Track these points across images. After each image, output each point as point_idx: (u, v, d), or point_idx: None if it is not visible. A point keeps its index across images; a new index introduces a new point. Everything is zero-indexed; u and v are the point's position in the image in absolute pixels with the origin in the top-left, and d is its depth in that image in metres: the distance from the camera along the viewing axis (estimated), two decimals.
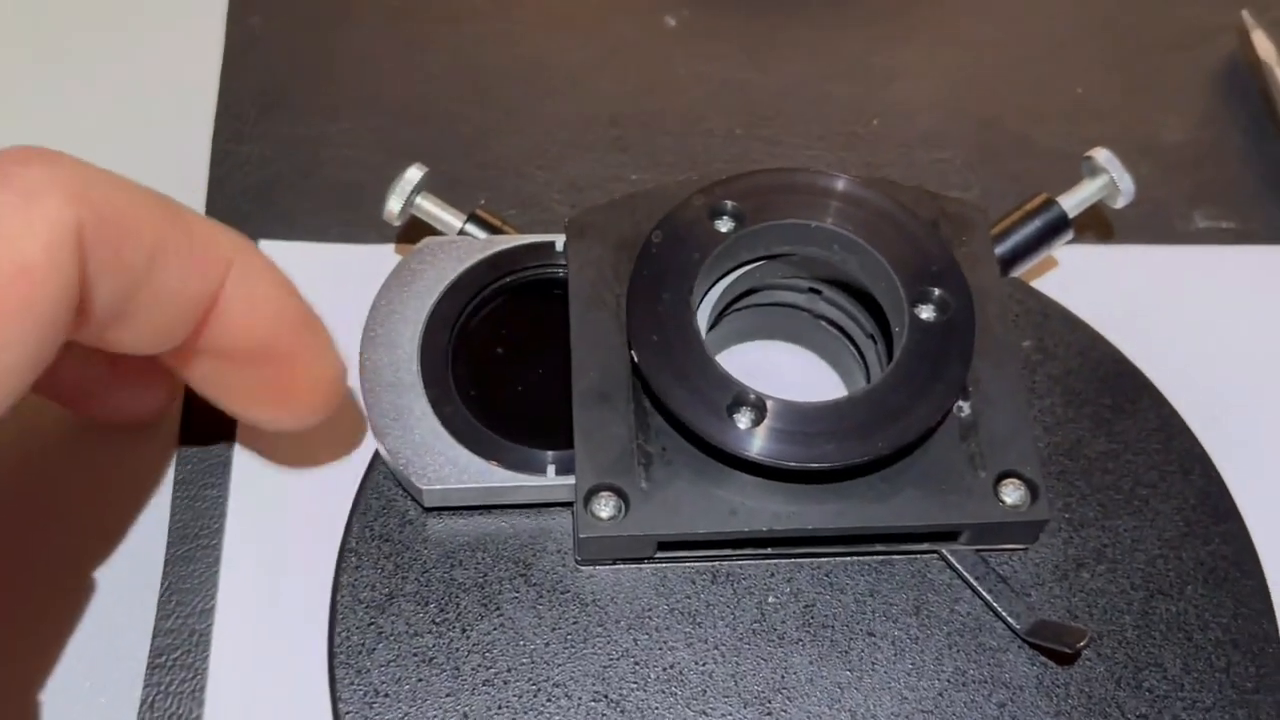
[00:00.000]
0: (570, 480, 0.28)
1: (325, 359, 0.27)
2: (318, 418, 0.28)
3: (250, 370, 0.27)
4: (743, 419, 0.27)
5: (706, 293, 0.30)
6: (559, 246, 0.31)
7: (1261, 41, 0.40)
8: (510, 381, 0.30)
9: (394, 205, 0.32)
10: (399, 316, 0.30)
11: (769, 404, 0.27)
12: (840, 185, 0.30)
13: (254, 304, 0.26)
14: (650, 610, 0.28)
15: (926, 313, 0.28)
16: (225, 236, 0.25)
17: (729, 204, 0.29)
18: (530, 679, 0.27)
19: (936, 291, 0.28)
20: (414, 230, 0.32)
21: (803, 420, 0.27)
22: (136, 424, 0.31)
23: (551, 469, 0.28)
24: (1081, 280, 0.35)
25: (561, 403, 0.29)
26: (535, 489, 0.28)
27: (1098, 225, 0.37)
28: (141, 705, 0.28)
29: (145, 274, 0.23)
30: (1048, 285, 0.34)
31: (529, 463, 0.28)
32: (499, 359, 0.31)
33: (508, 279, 0.31)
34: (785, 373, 0.33)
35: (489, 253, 0.31)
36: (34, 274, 0.21)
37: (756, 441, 0.27)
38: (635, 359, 0.28)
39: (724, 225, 0.29)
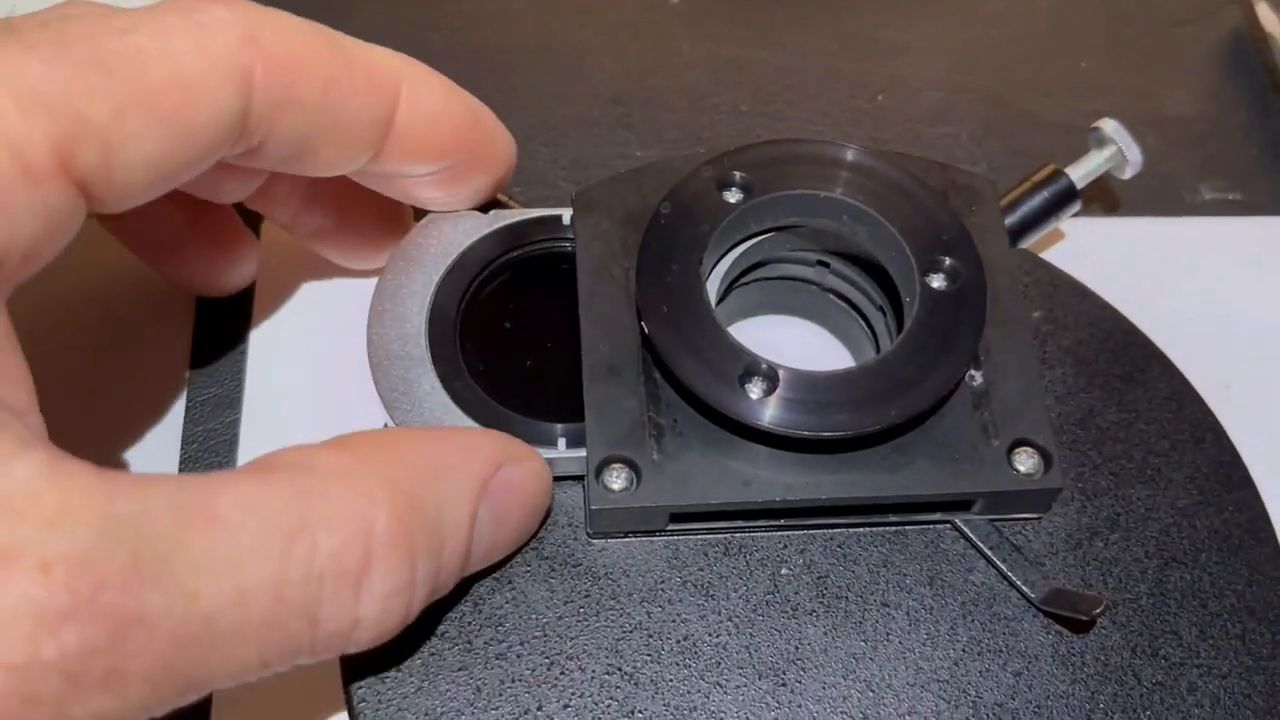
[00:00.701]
0: (581, 453, 0.28)
1: (498, 141, 0.29)
2: (494, 194, 0.30)
3: (434, 174, 0.28)
4: (754, 389, 0.27)
5: (715, 266, 0.30)
6: (565, 220, 0.31)
7: (1266, 15, 0.40)
8: (518, 355, 0.30)
9: None
10: (405, 292, 0.30)
11: (781, 374, 0.27)
12: (849, 156, 0.30)
13: (429, 117, 0.27)
14: (663, 583, 0.28)
15: (937, 282, 0.28)
16: (392, 61, 0.27)
17: (737, 175, 0.29)
18: (543, 652, 0.27)
19: (947, 261, 0.28)
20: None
21: (815, 390, 0.27)
22: (212, 291, 0.32)
23: (562, 441, 0.28)
24: (1090, 252, 0.35)
25: (570, 376, 0.28)
26: (546, 461, 0.28)
27: (1105, 198, 0.37)
28: None
29: (320, 108, 0.25)
30: (1056, 257, 0.34)
31: (539, 436, 0.28)
32: (507, 333, 0.30)
33: (514, 253, 0.31)
34: (794, 347, 0.33)
35: (494, 227, 0.31)
36: (189, 91, 0.22)
37: (769, 411, 0.26)
38: (645, 330, 0.27)
39: (732, 196, 0.29)
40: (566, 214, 0.31)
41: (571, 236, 0.30)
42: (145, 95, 0.22)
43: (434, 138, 0.27)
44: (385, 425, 0.29)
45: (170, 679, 0.20)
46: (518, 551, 0.28)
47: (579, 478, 0.28)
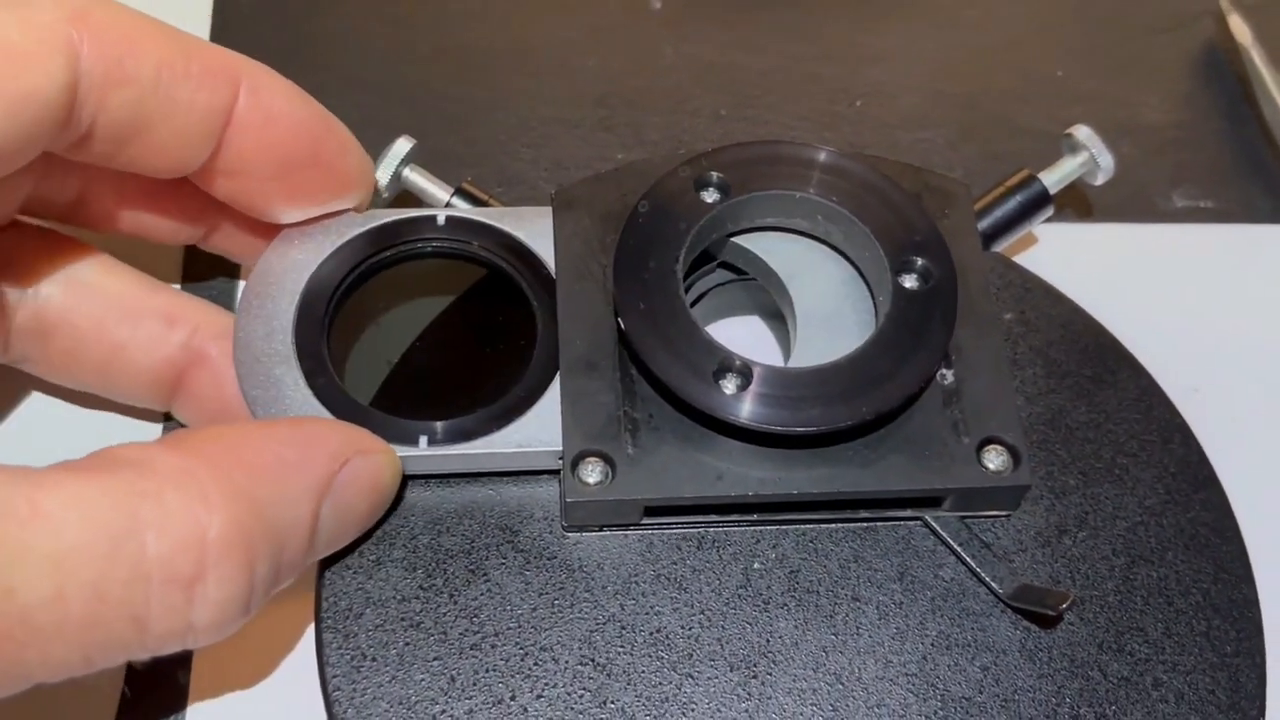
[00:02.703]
0: (442, 450, 0.28)
1: (350, 156, 0.29)
2: (346, 205, 0.30)
3: (278, 179, 0.28)
4: (729, 384, 0.27)
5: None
6: (440, 220, 0.31)
7: (1238, 26, 0.41)
8: (388, 354, 0.30)
9: (382, 176, 0.32)
10: (275, 289, 0.29)
11: (755, 369, 0.27)
12: (824, 157, 0.30)
13: (270, 116, 0.27)
14: (636, 576, 0.28)
15: (910, 281, 0.29)
16: (233, 57, 0.26)
17: (714, 175, 0.30)
18: (517, 643, 0.27)
19: (919, 261, 0.29)
20: (402, 203, 0.32)
21: (788, 385, 0.27)
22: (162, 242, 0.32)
23: (423, 439, 0.28)
24: (1062, 257, 0.36)
25: (435, 375, 0.29)
26: (407, 460, 0.28)
27: (1078, 204, 0.38)
28: None
29: (152, 86, 0.24)
30: (1029, 262, 0.34)
31: (403, 434, 0.28)
32: (377, 331, 0.30)
33: (387, 253, 0.30)
34: (769, 346, 0.33)
35: (369, 226, 0.30)
36: (14, 61, 0.22)
37: (742, 406, 0.27)
38: (622, 326, 0.28)
39: (710, 196, 0.29)
40: (441, 215, 0.31)
41: (445, 236, 0.31)
42: None
43: (275, 136, 0.27)
44: None
45: None
46: (359, 544, 0.28)
47: (555, 472, 0.29)
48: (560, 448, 0.28)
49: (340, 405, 0.28)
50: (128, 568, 0.21)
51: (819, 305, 0.30)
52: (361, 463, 0.26)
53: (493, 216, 0.31)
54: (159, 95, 0.25)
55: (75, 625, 0.20)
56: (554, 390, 0.28)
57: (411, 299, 0.31)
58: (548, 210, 0.31)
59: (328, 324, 0.29)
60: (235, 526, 0.22)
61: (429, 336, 0.30)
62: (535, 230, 0.30)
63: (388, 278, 0.31)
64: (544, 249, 0.30)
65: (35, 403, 0.32)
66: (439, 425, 0.28)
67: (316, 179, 0.28)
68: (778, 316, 0.33)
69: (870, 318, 0.30)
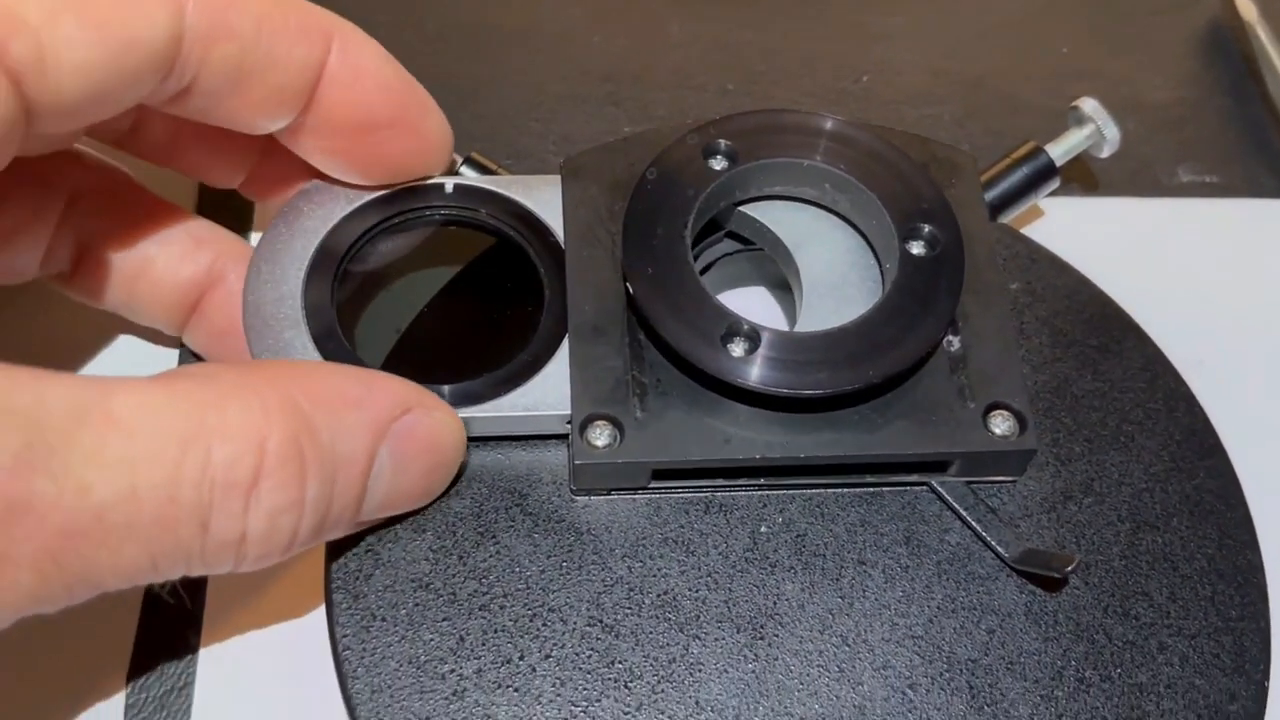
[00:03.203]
0: (465, 412, 0.28)
1: (430, 121, 0.29)
2: (426, 176, 0.30)
3: (360, 139, 0.28)
4: (736, 348, 0.27)
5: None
6: (448, 189, 0.31)
7: (1244, 2, 0.41)
8: (397, 318, 0.30)
9: None
10: (285, 254, 0.29)
11: (763, 333, 0.27)
12: (832, 125, 0.30)
13: (359, 73, 0.27)
14: (644, 539, 0.28)
15: (917, 248, 0.29)
16: (325, 13, 0.27)
17: (723, 143, 0.30)
18: (525, 604, 0.27)
19: (926, 228, 0.29)
20: None
21: (796, 349, 0.27)
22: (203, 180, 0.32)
23: None
24: (1069, 231, 0.36)
25: (446, 339, 0.29)
26: None
27: (1084, 179, 0.38)
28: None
29: (253, 41, 0.25)
30: (1037, 235, 0.35)
31: None
32: (387, 297, 0.31)
33: (396, 219, 0.31)
34: (776, 317, 0.33)
35: (378, 194, 0.30)
36: (125, 5, 0.23)
37: (750, 369, 0.27)
38: (630, 291, 0.28)
39: (718, 164, 0.30)
40: (449, 183, 0.31)
41: (453, 204, 0.31)
42: (78, 1, 0.22)
43: (362, 93, 0.27)
44: None
45: (58, 570, 0.20)
46: (424, 509, 0.28)
47: (563, 437, 0.29)
48: (569, 411, 0.28)
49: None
50: (195, 470, 0.22)
51: (825, 274, 0.30)
52: (422, 415, 0.26)
53: (500, 185, 0.31)
54: (259, 50, 0.25)
55: (146, 525, 0.21)
56: (561, 355, 0.29)
57: (419, 266, 0.31)
58: (555, 179, 0.31)
59: (337, 289, 0.30)
60: (291, 440, 0.23)
61: (437, 303, 0.30)
62: (542, 198, 0.31)
63: (396, 244, 0.31)
64: (551, 217, 0.30)
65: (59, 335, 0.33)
66: (446, 389, 0.28)
67: (400, 140, 0.29)
68: (784, 287, 0.34)
69: (876, 286, 0.30)
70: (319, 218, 0.30)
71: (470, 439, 0.29)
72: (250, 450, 0.22)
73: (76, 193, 0.29)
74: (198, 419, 0.22)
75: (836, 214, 0.31)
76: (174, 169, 0.31)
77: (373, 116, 0.28)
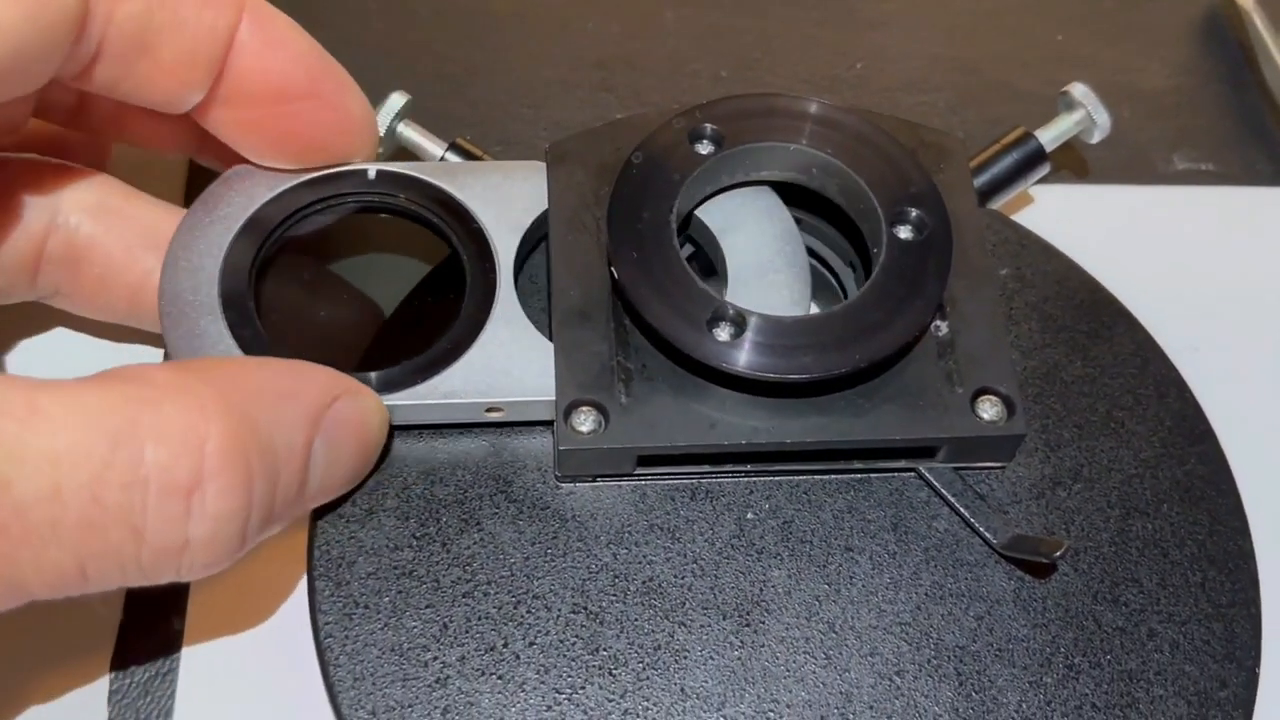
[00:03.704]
0: (389, 399, 0.28)
1: (349, 97, 0.29)
2: (348, 158, 0.30)
3: (275, 112, 0.28)
4: (722, 332, 0.27)
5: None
6: (371, 175, 0.30)
7: None
8: (316, 306, 0.30)
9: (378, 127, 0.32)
10: (202, 241, 0.29)
11: (749, 318, 0.27)
12: (819, 110, 0.30)
13: (271, 42, 0.27)
14: (630, 525, 0.28)
15: (904, 233, 0.28)
16: None
17: (709, 127, 0.29)
18: (510, 591, 0.27)
19: (914, 212, 0.29)
20: (398, 158, 0.32)
21: (782, 334, 0.27)
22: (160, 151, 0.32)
23: None
24: (1062, 218, 0.35)
25: (363, 326, 0.29)
26: None
27: (1077, 166, 0.38)
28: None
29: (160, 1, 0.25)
30: (1029, 222, 0.34)
31: None
32: (306, 284, 0.30)
33: (315, 206, 0.30)
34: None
35: (298, 181, 0.30)
36: None
37: (735, 354, 0.27)
38: (615, 275, 0.28)
39: (704, 148, 0.29)
40: (372, 169, 0.30)
41: (377, 190, 0.30)
42: None
43: (274, 62, 0.27)
44: None
45: None
46: (351, 493, 0.28)
47: (548, 423, 0.29)
48: (489, 399, 0.28)
49: (265, 355, 0.28)
50: (126, 471, 0.21)
51: (751, 258, 0.30)
52: (351, 402, 0.26)
53: (424, 171, 0.30)
54: (165, 9, 0.25)
55: (71, 527, 0.20)
56: (481, 341, 0.28)
57: (340, 253, 0.31)
58: (496, 164, 0.31)
59: (254, 276, 0.29)
60: (233, 439, 0.22)
61: (357, 290, 0.30)
62: (467, 184, 0.30)
63: (317, 231, 0.31)
64: (475, 203, 0.30)
65: (57, 344, 0.33)
66: (373, 376, 0.28)
67: (315, 114, 0.28)
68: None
69: (804, 270, 0.30)
70: (238, 204, 0.30)
71: (453, 426, 0.29)
72: (189, 451, 0.22)
73: (51, 202, 0.28)
74: (130, 417, 0.21)
75: (776, 199, 0.30)
76: (125, 142, 0.30)
77: (285, 86, 0.27)
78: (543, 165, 0.31)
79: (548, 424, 0.29)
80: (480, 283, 0.29)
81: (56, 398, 0.21)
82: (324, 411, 0.25)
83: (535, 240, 0.31)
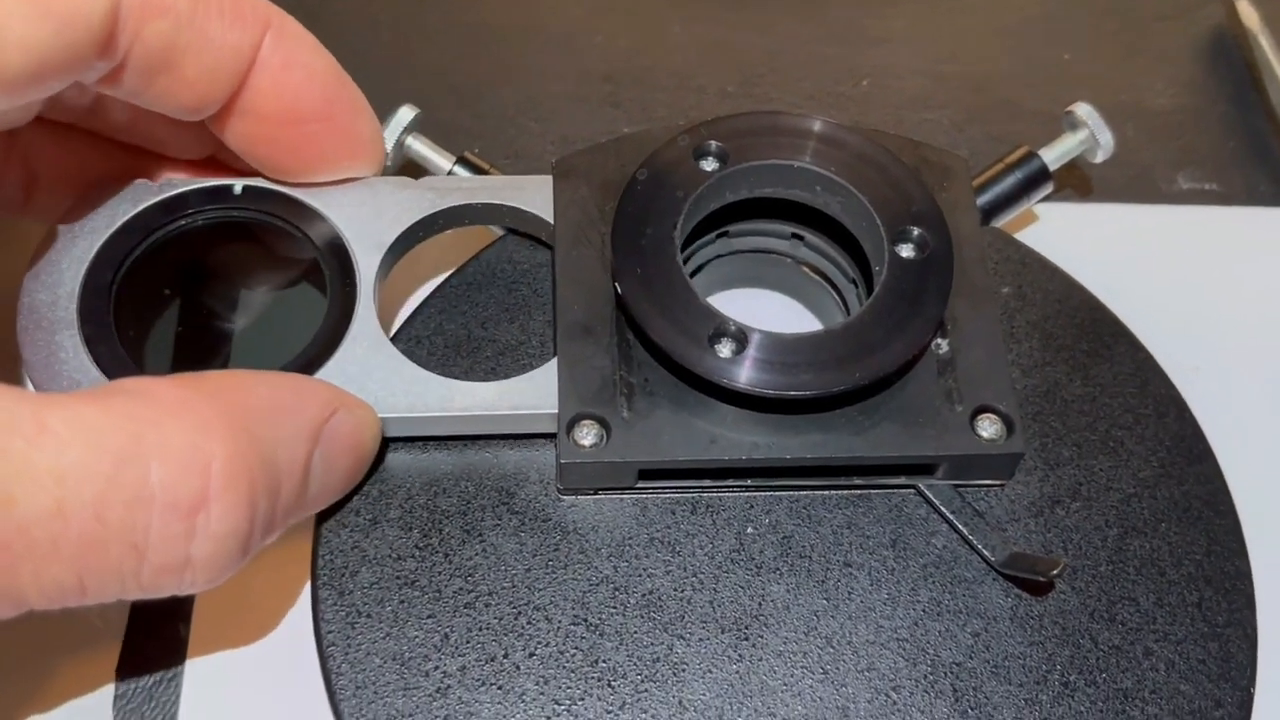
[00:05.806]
0: None
1: (362, 118, 0.29)
2: (357, 173, 0.30)
3: (286, 131, 0.28)
4: (724, 349, 0.27)
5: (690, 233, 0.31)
6: (237, 190, 0.30)
7: (1247, 11, 0.41)
8: (176, 322, 0.30)
9: (386, 144, 0.32)
10: (65, 256, 0.29)
11: (750, 335, 0.27)
12: (823, 128, 0.30)
13: (291, 63, 0.27)
14: (630, 539, 0.28)
15: (906, 251, 0.29)
16: (265, 2, 0.27)
17: (713, 144, 0.30)
18: (511, 602, 0.27)
19: (916, 231, 0.29)
20: (407, 172, 0.33)
21: (783, 351, 0.27)
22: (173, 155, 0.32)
23: None
24: (1065, 237, 0.36)
25: (228, 340, 0.29)
26: None
27: (1081, 185, 0.38)
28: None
29: (188, 19, 0.25)
30: (1032, 241, 0.34)
31: None
32: (167, 300, 0.30)
33: (181, 221, 0.30)
34: (767, 317, 0.33)
35: (164, 195, 0.30)
36: None
37: (737, 370, 0.27)
38: (619, 291, 0.28)
39: (708, 165, 0.30)
40: (238, 185, 0.30)
41: (243, 206, 0.30)
42: None
43: (292, 81, 0.27)
44: None
45: None
46: (355, 502, 0.28)
47: (551, 436, 0.29)
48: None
49: (119, 372, 0.28)
50: (130, 490, 0.21)
51: None
52: (347, 416, 0.26)
53: (290, 189, 0.30)
54: (193, 28, 0.25)
55: (73, 543, 0.21)
56: (338, 357, 0.28)
57: (206, 268, 0.31)
58: (366, 182, 0.30)
59: (114, 291, 0.29)
60: (238, 459, 0.23)
61: (221, 303, 0.30)
62: (333, 200, 0.30)
63: (183, 245, 0.30)
64: (340, 218, 0.30)
65: None
66: None
67: (327, 136, 0.29)
68: (781, 287, 0.34)
69: None
70: (103, 219, 0.30)
71: (455, 438, 0.29)
72: (194, 472, 0.22)
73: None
74: (135, 436, 0.21)
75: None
76: (139, 145, 0.30)
77: (301, 108, 0.28)
78: (408, 180, 0.31)
79: (550, 437, 0.29)
80: (340, 298, 0.29)
81: (62, 414, 0.21)
82: (323, 425, 0.25)
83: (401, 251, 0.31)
